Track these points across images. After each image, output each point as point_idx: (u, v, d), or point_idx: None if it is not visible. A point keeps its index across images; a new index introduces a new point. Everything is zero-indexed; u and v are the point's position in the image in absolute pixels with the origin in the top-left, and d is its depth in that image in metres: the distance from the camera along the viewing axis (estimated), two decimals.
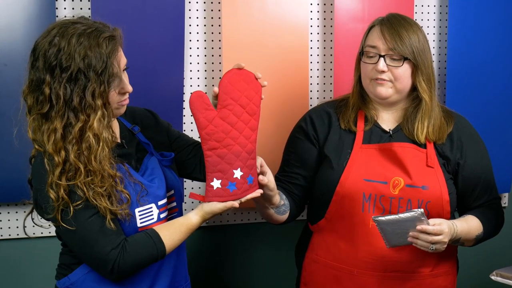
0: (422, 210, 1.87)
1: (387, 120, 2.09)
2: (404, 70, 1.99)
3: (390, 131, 2.06)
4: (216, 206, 1.79)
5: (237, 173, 1.79)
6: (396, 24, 2.00)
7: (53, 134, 1.66)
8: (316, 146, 2.09)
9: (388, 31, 1.99)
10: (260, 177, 1.86)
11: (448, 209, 2.01)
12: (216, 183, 1.78)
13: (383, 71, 1.98)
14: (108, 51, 1.67)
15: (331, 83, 2.61)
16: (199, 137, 2.37)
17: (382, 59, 1.98)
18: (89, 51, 1.65)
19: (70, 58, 1.64)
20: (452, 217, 2.05)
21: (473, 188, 2.08)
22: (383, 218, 1.89)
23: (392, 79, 1.99)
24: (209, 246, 2.61)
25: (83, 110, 1.66)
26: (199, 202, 1.83)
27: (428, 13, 2.72)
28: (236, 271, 2.66)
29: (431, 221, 1.89)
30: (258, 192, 1.85)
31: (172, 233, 1.77)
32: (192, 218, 1.80)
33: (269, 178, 1.88)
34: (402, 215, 1.87)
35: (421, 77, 2.00)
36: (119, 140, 1.83)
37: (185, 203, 2.45)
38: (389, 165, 2.01)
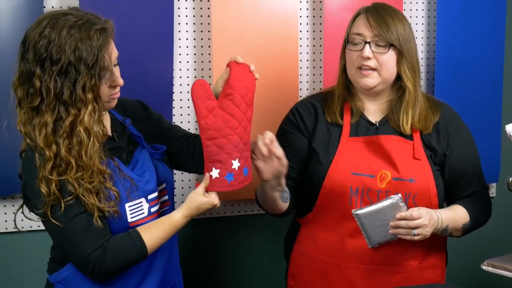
0: (400, 195, 1.88)
1: (373, 112, 2.08)
2: (390, 57, 1.99)
3: (377, 123, 2.06)
4: (201, 200, 1.77)
5: (235, 164, 1.78)
6: (381, 12, 2.01)
7: (44, 128, 1.63)
8: (306, 137, 2.09)
9: (374, 18, 1.99)
10: (276, 149, 1.83)
11: (436, 201, 2.01)
12: (214, 173, 1.77)
13: (368, 58, 1.97)
14: (100, 43, 1.64)
15: (320, 74, 2.61)
16: (189, 129, 2.39)
17: (367, 45, 1.98)
18: (80, 43, 1.62)
19: (60, 50, 1.61)
20: (440, 208, 2.04)
21: (460, 179, 2.08)
22: (362, 210, 1.90)
23: (377, 66, 1.98)
24: (201, 239, 2.60)
25: (73, 104, 1.64)
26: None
27: (417, 3, 2.72)
28: (227, 263, 2.66)
29: (410, 210, 1.89)
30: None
31: (154, 233, 1.74)
32: (175, 216, 1.78)
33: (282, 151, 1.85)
34: (380, 204, 1.88)
35: (406, 65, 2.00)
36: (110, 133, 1.82)
37: (175, 195, 2.43)
38: (376, 158, 2.01)
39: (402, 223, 1.88)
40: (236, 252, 2.66)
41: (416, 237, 1.90)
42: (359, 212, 1.91)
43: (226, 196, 2.48)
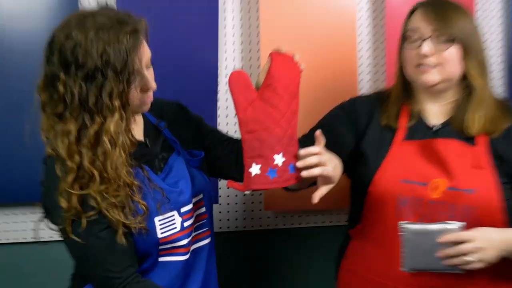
0: (464, 224, 1.72)
1: (435, 114, 1.92)
2: (452, 53, 1.83)
3: (435, 126, 1.90)
4: None
5: (278, 159, 1.63)
6: (441, 5, 1.87)
7: (67, 136, 1.55)
8: (354, 135, 1.95)
9: (433, 11, 1.85)
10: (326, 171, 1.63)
11: (501, 218, 1.80)
12: (255, 169, 1.63)
13: (426, 56, 1.82)
14: (129, 46, 1.54)
15: (382, 73, 2.45)
16: (235, 131, 2.27)
17: (425, 42, 1.83)
18: (107, 47, 1.52)
19: (86, 54, 1.52)
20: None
21: None
22: (411, 225, 1.76)
23: (439, 63, 1.83)
24: (246, 252, 2.49)
25: (99, 111, 1.54)
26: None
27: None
28: (272, 278, 2.54)
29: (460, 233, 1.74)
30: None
31: None
32: None
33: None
34: (433, 226, 1.74)
35: (472, 62, 1.84)
36: (142, 138, 1.73)
37: (220, 204, 2.34)
38: (431, 164, 1.84)
39: (450, 251, 1.72)
40: (284, 267, 2.53)
41: (476, 265, 1.73)
42: (407, 226, 1.76)
43: (275, 206, 2.41)
